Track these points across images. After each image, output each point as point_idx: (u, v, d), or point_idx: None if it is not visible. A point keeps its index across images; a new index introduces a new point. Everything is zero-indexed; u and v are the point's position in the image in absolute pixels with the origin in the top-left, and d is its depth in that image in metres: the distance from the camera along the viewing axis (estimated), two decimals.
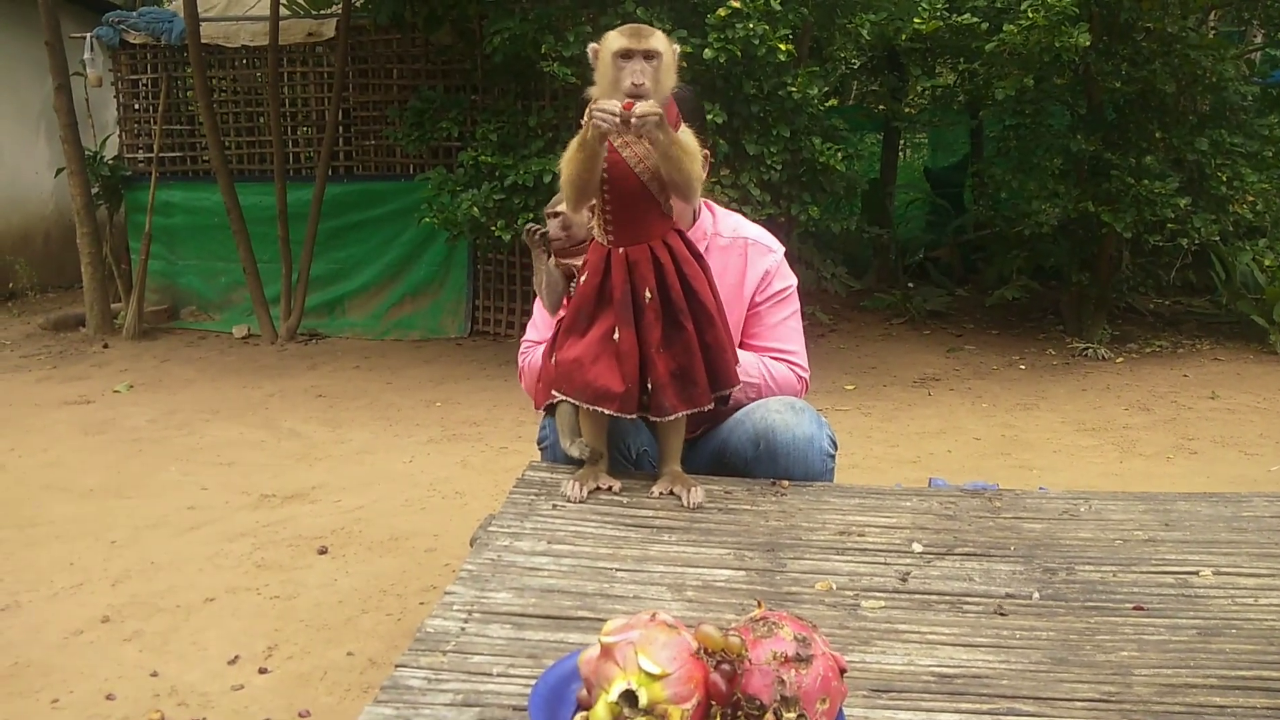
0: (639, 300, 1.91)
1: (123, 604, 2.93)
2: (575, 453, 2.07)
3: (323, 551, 3.35)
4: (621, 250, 1.92)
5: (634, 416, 1.95)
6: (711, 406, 1.98)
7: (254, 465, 4.35)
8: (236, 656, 2.61)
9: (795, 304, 2.39)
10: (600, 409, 1.93)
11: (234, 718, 2.33)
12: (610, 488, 2.02)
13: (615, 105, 1.80)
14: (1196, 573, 1.70)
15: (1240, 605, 1.58)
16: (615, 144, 1.86)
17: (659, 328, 1.91)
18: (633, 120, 1.77)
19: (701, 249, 2.10)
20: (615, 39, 1.86)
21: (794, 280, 2.41)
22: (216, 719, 2.32)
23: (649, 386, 1.93)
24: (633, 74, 1.81)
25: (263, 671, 2.54)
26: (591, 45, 1.91)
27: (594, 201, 1.94)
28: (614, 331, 1.92)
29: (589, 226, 2.06)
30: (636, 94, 1.81)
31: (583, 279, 1.98)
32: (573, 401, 1.97)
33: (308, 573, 3.18)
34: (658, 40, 1.86)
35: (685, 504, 1.96)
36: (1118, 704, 1.29)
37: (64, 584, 3.08)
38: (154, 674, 2.51)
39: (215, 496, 3.93)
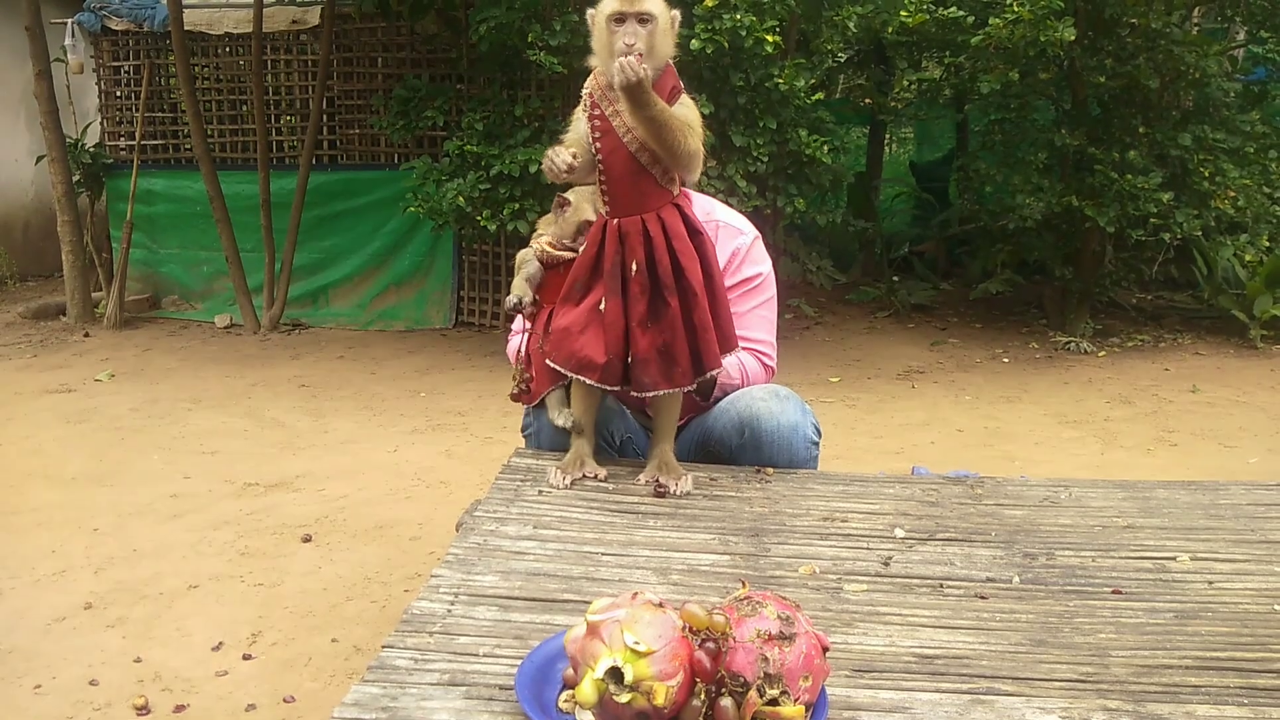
0: (626, 272, 1.90)
1: (106, 591, 2.92)
2: (560, 422, 2.08)
3: (307, 539, 3.35)
4: (616, 221, 1.91)
5: (615, 388, 1.95)
6: (693, 388, 1.97)
7: (237, 454, 4.34)
8: (220, 643, 2.61)
9: (767, 291, 2.36)
10: (583, 378, 1.94)
11: (218, 703, 2.33)
12: (595, 475, 2.02)
13: (564, 158, 1.84)
14: (1174, 558, 1.72)
15: (1216, 589, 1.61)
16: (606, 113, 1.86)
17: (644, 302, 1.90)
18: (615, 78, 1.78)
19: None
20: (608, 2, 1.86)
21: (767, 266, 2.37)
22: (200, 704, 2.32)
23: (630, 360, 1.93)
24: (624, 36, 1.81)
25: (247, 658, 2.54)
26: (590, 11, 1.91)
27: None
28: (601, 302, 1.92)
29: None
30: (628, 55, 1.80)
31: (582, 249, 1.99)
32: (560, 369, 1.97)
33: (292, 560, 3.18)
34: (653, 3, 1.84)
35: (673, 493, 1.96)
36: (1095, 684, 1.31)
37: (46, 571, 3.07)
38: (137, 660, 2.51)
39: (198, 485, 3.92)
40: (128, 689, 2.37)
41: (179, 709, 2.29)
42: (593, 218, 2.13)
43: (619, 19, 1.83)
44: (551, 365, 1.99)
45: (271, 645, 2.61)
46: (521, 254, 2.26)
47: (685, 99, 1.90)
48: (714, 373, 1.96)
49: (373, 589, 2.97)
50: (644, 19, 1.83)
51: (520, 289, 2.17)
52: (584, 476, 2.02)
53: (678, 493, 1.96)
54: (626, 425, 2.26)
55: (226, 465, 4.17)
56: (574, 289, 1.97)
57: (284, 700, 2.33)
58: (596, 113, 1.87)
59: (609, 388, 1.95)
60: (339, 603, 2.88)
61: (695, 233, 1.95)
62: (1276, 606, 1.54)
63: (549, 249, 2.17)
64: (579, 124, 1.92)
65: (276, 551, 3.25)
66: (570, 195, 2.18)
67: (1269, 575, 1.67)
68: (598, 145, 1.89)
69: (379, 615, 2.79)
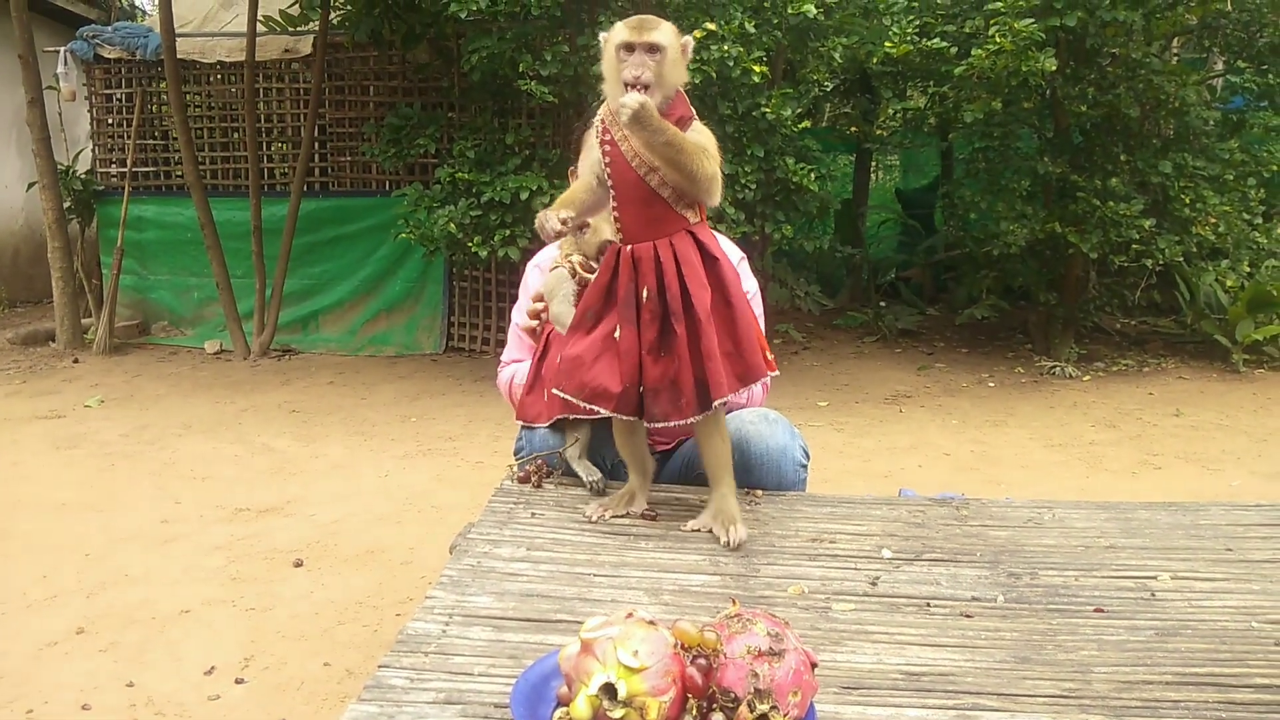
0: (639, 299, 1.87)
1: (97, 616, 2.93)
2: (581, 473, 2.06)
3: (298, 564, 3.36)
4: (629, 248, 1.89)
5: (631, 418, 1.91)
6: (700, 419, 1.89)
7: (228, 480, 4.34)
8: (213, 667, 2.62)
9: (757, 309, 2.35)
10: (597, 408, 1.90)
11: None
12: (641, 513, 1.96)
13: (553, 224, 1.83)
14: (1155, 577, 1.76)
15: (1196, 607, 1.64)
16: (616, 138, 1.85)
17: (654, 329, 1.86)
18: (621, 116, 1.77)
19: None
20: (619, 30, 1.84)
21: (754, 285, 2.38)
22: None
23: (643, 390, 1.89)
24: (632, 67, 1.79)
25: (239, 682, 2.55)
26: (601, 35, 1.90)
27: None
28: (616, 330, 1.89)
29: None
30: (634, 86, 1.78)
31: (594, 277, 1.97)
32: (570, 398, 1.92)
33: (283, 585, 3.18)
34: (662, 34, 1.83)
35: (725, 543, 1.85)
36: (1077, 700, 1.34)
37: (37, 596, 3.07)
38: (130, 684, 2.51)
39: (189, 510, 3.92)
40: (120, 713, 2.38)
41: None
42: (612, 236, 2.12)
43: (628, 48, 1.82)
44: (559, 395, 1.94)
45: (264, 669, 2.62)
46: (552, 277, 2.20)
47: (697, 125, 1.88)
48: (721, 402, 1.88)
49: (364, 613, 2.98)
50: (653, 49, 1.81)
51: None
52: (628, 514, 1.97)
53: (731, 543, 1.84)
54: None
55: (217, 491, 4.17)
56: (585, 317, 1.93)
57: None
58: (607, 138, 1.87)
59: (625, 416, 1.90)
60: (331, 627, 2.89)
61: (712, 259, 1.90)
62: (1254, 624, 1.58)
63: (581, 270, 2.14)
64: (592, 150, 1.92)
65: (268, 576, 3.26)
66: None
67: (1247, 593, 1.70)
68: (608, 171, 1.87)
69: (371, 639, 2.80)
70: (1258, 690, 1.37)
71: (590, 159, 1.94)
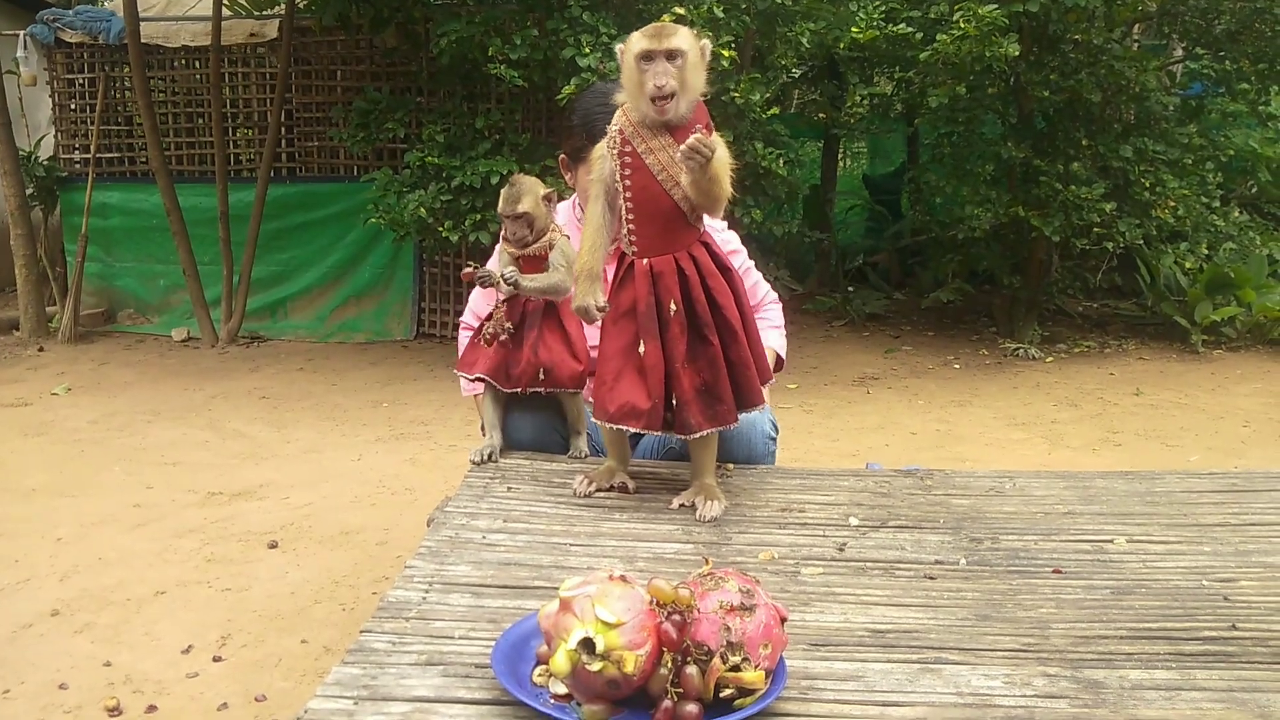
0: (664, 313, 1.84)
1: (72, 598, 2.93)
2: (476, 455, 2.09)
3: (273, 546, 3.37)
4: (645, 261, 1.85)
5: (659, 433, 1.89)
6: (737, 425, 1.90)
7: (199, 464, 4.34)
8: (190, 646, 2.63)
9: (743, 251, 2.41)
10: (625, 427, 1.87)
11: (190, 704, 2.36)
12: (624, 486, 1.99)
13: (593, 311, 1.83)
14: (1111, 541, 1.82)
15: (1150, 568, 1.71)
16: (639, 150, 1.80)
17: (684, 341, 1.84)
18: (684, 154, 1.71)
19: None
20: (636, 40, 1.79)
21: (737, 240, 2.42)
22: (172, 705, 2.34)
23: (674, 403, 1.86)
24: (655, 76, 1.74)
25: (217, 660, 2.57)
26: (618, 46, 1.85)
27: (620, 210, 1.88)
28: (637, 345, 1.85)
29: (550, 218, 2.07)
30: (659, 95, 1.75)
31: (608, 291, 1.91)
32: (600, 422, 1.91)
33: (259, 566, 3.20)
34: (680, 38, 1.78)
35: (698, 516, 1.88)
36: (1036, 653, 1.40)
37: (10, 580, 3.07)
38: (107, 664, 2.53)
39: (161, 495, 3.92)
40: (98, 692, 2.39)
41: (150, 709, 2.31)
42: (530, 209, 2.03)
43: (647, 57, 1.76)
44: (598, 423, 1.93)
45: (241, 647, 2.64)
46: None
47: (716, 137, 1.80)
48: (759, 408, 1.92)
49: (340, 592, 3.01)
50: (673, 55, 1.76)
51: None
52: (612, 487, 1.99)
53: (703, 517, 1.88)
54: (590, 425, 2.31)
55: (189, 475, 4.17)
56: (604, 332, 1.90)
57: (255, 699, 2.37)
58: (628, 149, 1.81)
59: (655, 433, 1.88)
60: (307, 606, 2.91)
61: (725, 269, 1.89)
62: (1204, 582, 1.65)
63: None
64: (604, 162, 1.85)
65: (243, 558, 3.27)
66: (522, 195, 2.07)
67: (1199, 555, 1.77)
68: (627, 183, 1.81)
69: (347, 617, 2.83)
70: (1205, 642, 1.44)
71: (602, 170, 1.87)
